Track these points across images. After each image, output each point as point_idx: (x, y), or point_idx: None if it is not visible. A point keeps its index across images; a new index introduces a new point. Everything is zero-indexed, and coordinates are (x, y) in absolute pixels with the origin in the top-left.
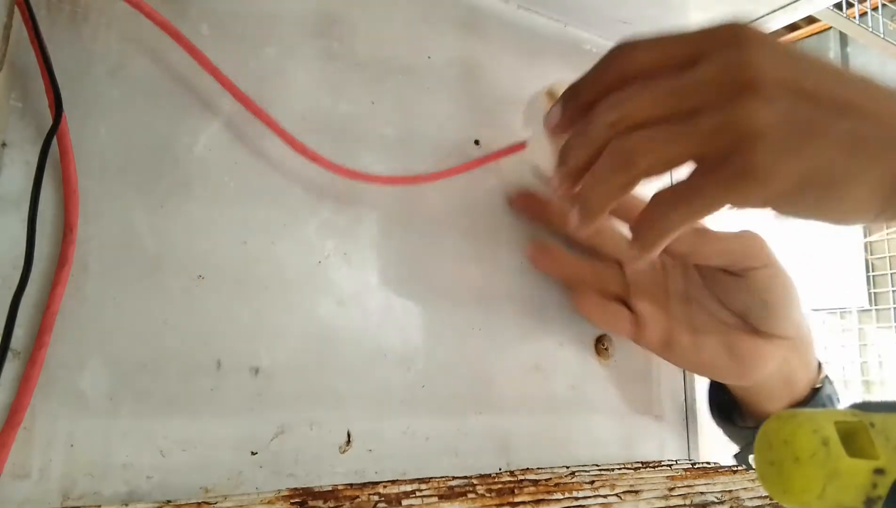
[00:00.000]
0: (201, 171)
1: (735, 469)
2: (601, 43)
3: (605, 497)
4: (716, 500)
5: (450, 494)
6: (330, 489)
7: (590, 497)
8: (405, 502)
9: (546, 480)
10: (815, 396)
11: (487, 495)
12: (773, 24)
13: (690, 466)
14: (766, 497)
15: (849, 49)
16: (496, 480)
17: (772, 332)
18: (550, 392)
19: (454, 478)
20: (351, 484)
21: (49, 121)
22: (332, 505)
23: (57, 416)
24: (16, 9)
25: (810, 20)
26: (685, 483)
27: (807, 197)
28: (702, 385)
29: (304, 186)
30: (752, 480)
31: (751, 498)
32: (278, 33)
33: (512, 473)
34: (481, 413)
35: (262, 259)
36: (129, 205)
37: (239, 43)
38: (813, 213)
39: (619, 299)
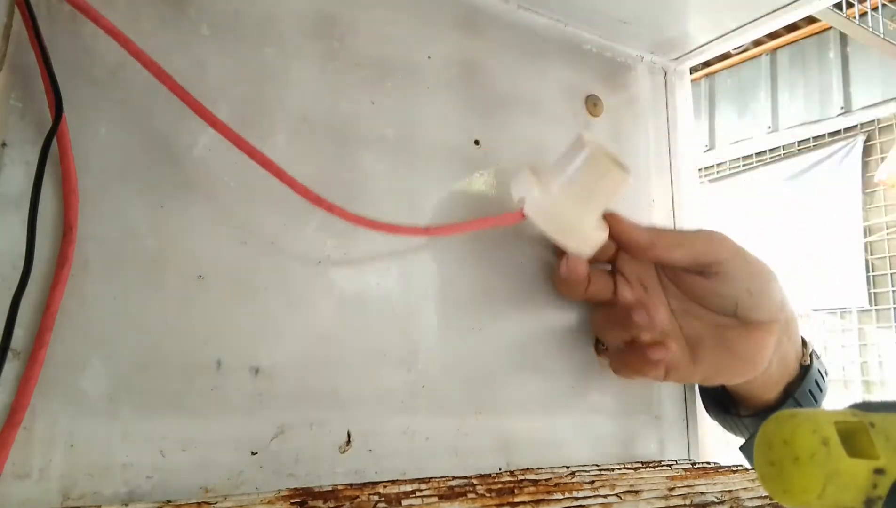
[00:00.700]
0: (201, 171)
1: (735, 469)
2: (601, 43)
3: (605, 497)
4: (716, 500)
5: (450, 494)
6: (330, 489)
7: (590, 497)
8: (405, 502)
9: (546, 480)
10: (806, 373)
11: (487, 495)
12: (774, 24)
13: (690, 466)
14: (766, 497)
15: (849, 49)
16: (496, 480)
17: (762, 319)
18: (550, 392)
19: (454, 478)
20: (351, 484)
21: (49, 121)
22: (332, 505)
23: (57, 416)
24: (16, 9)
25: (810, 20)
26: (685, 483)
27: None
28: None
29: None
30: (752, 480)
31: (751, 498)
32: (278, 33)
33: (512, 473)
34: (481, 413)
35: (262, 259)
36: (129, 205)
37: (239, 43)
38: None
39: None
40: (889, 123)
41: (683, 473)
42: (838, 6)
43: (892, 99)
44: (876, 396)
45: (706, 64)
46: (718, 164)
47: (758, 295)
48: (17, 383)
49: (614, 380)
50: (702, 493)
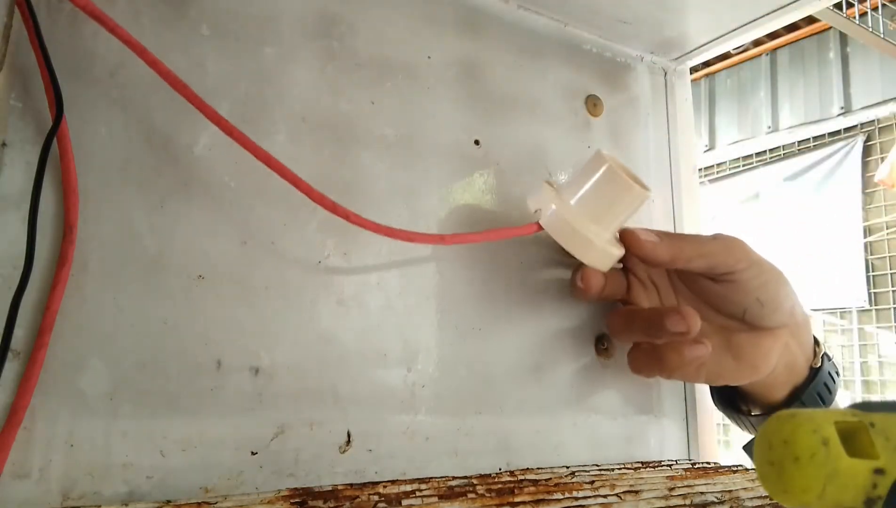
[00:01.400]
0: (201, 171)
1: (735, 469)
2: (601, 43)
3: (605, 497)
4: (716, 500)
5: (450, 494)
6: (330, 489)
7: (590, 497)
8: (405, 502)
9: (546, 480)
10: (815, 376)
11: (487, 495)
12: (774, 24)
13: (690, 466)
14: (766, 497)
15: (849, 49)
16: (496, 480)
17: (770, 326)
18: (550, 392)
19: (454, 478)
20: (351, 484)
21: (49, 121)
22: (332, 505)
23: (57, 416)
24: (16, 9)
25: (810, 20)
26: (685, 483)
27: None
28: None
29: None
30: (752, 480)
31: (751, 498)
32: (278, 33)
33: (512, 473)
34: (481, 413)
35: (262, 259)
36: (129, 205)
37: (239, 43)
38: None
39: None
40: (889, 123)
41: (683, 473)
42: (838, 6)
43: (892, 99)
44: (876, 396)
45: (706, 64)
46: (718, 164)
47: (768, 303)
48: (17, 383)
49: (614, 380)
50: (702, 493)
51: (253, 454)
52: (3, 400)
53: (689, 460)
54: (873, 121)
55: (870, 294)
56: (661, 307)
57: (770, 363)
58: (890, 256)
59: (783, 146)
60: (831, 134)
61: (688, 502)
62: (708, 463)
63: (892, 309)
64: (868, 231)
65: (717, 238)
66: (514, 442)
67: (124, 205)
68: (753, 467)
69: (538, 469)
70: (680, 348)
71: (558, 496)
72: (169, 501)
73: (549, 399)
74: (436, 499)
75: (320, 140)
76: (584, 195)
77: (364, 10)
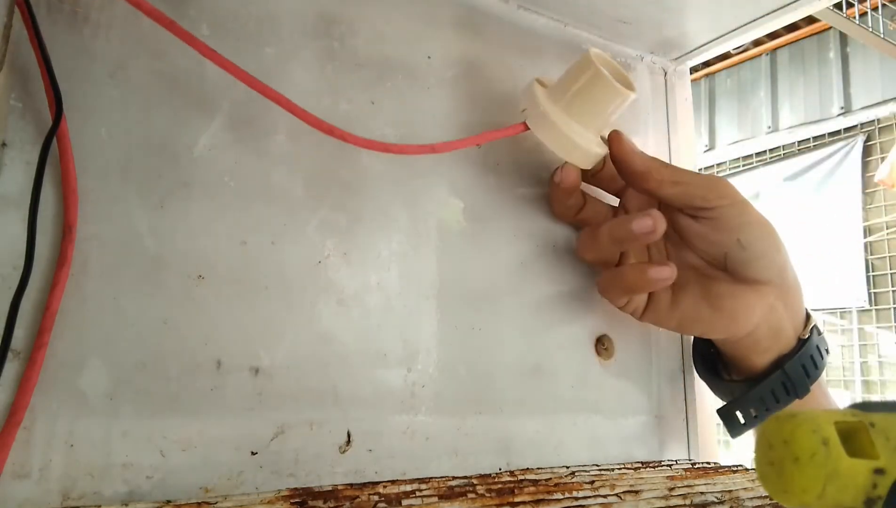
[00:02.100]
0: (201, 171)
1: (735, 469)
2: (601, 43)
3: (605, 497)
4: (716, 500)
5: (450, 494)
6: (330, 489)
7: (590, 497)
8: (405, 502)
9: (546, 480)
10: (802, 347)
11: (487, 495)
12: (774, 24)
13: (690, 466)
14: (766, 497)
15: (849, 49)
16: (496, 480)
17: (754, 277)
18: (550, 392)
19: (454, 478)
20: (351, 484)
21: (49, 121)
22: (332, 505)
23: (57, 416)
24: (16, 9)
25: (810, 20)
26: (685, 483)
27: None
28: (699, 383)
29: (304, 186)
30: (752, 480)
31: (751, 498)
32: (278, 33)
33: (512, 473)
34: (481, 413)
35: (262, 259)
36: (129, 205)
37: (239, 43)
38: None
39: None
40: (889, 123)
41: (683, 473)
42: (838, 6)
43: (892, 99)
44: (876, 396)
45: (706, 64)
46: (718, 164)
47: (750, 248)
48: (17, 383)
49: (614, 380)
50: (702, 493)
51: (253, 454)
52: (3, 400)
53: (689, 460)
54: (873, 121)
55: (870, 294)
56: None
57: (750, 319)
58: (890, 256)
59: (783, 146)
60: (831, 134)
61: (688, 502)
62: (708, 463)
63: (892, 309)
64: (868, 231)
65: (700, 173)
66: (514, 442)
67: (124, 205)
68: (753, 467)
69: (538, 469)
70: (644, 266)
71: (558, 496)
72: (169, 501)
73: (549, 399)
74: (436, 499)
75: (320, 140)
76: (571, 96)
77: (364, 10)
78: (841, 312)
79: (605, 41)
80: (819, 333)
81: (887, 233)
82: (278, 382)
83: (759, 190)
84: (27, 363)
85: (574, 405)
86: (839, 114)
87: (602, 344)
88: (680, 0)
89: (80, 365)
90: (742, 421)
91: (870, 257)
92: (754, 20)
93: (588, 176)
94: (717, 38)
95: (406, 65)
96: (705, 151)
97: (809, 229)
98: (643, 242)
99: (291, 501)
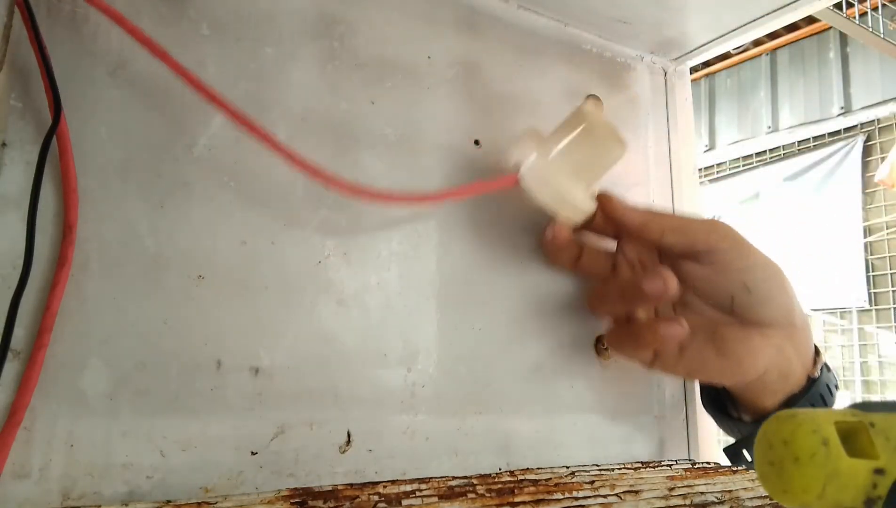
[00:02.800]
0: (201, 171)
1: (735, 469)
2: (601, 43)
3: (605, 497)
4: (716, 500)
5: (450, 494)
6: (330, 489)
7: (590, 497)
8: (405, 502)
9: (546, 480)
10: (811, 387)
11: (487, 495)
12: (774, 24)
13: (690, 466)
14: (766, 497)
15: (849, 49)
16: (496, 480)
17: (761, 320)
18: (550, 392)
19: (454, 478)
20: (351, 484)
21: (49, 122)
22: (332, 505)
23: (57, 416)
24: (16, 9)
25: (810, 20)
26: (685, 483)
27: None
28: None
29: (304, 186)
30: (752, 480)
31: (751, 498)
32: (278, 33)
33: (512, 473)
34: (481, 413)
35: (262, 259)
36: (129, 204)
37: (239, 43)
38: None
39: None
40: (889, 123)
41: (683, 473)
42: (838, 6)
43: (892, 99)
44: (876, 396)
45: (706, 64)
46: (718, 164)
47: (756, 292)
48: (17, 383)
49: (614, 380)
50: (702, 493)
51: (253, 454)
52: (3, 400)
53: (689, 460)
54: (873, 121)
55: (870, 294)
56: (636, 275)
57: (758, 363)
58: (890, 256)
59: (783, 146)
60: (831, 134)
61: (688, 502)
62: (708, 463)
63: (892, 309)
64: (868, 231)
65: (698, 218)
66: (514, 442)
67: (124, 205)
68: (752, 463)
69: (538, 469)
70: (654, 324)
71: (558, 496)
72: (169, 501)
73: (549, 399)
74: (436, 499)
75: (320, 140)
76: (563, 149)
77: (364, 9)
78: (841, 312)
79: (605, 41)
80: (829, 370)
81: (887, 233)
82: (278, 382)
83: (759, 190)
84: (27, 363)
85: (574, 405)
86: (839, 114)
87: (602, 344)
88: (680, 0)
89: (80, 365)
90: (749, 459)
91: (870, 257)
92: (754, 20)
93: (583, 224)
94: (717, 38)
95: (406, 65)
96: (705, 151)
97: (809, 229)
98: (655, 303)
99: (291, 501)
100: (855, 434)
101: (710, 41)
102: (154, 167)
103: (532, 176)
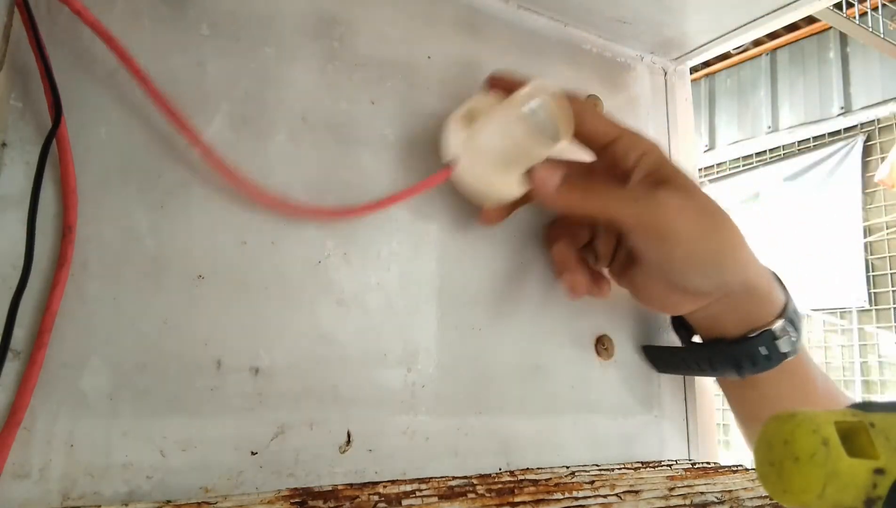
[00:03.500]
0: (201, 171)
1: (735, 469)
2: (601, 43)
3: (605, 497)
4: (716, 500)
5: (450, 494)
6: (330, 489)
7: (590, 497)
8: (405, 502)
9: (546, 480)
10: (741, 343)
11: (487, 495)
12: (774, 24)
13: (690, 466)
14: (766, 497)
15: (849, 49)
16: (496, 480)
17: (685, 289)
18: (550, 392)
19: (454, 478)
20: (351, 484)
21: (49, 122)
22: (332, 505)
23: (57, 416)
24: (16, 9)
25: (810, 20)
26: (685, 483)
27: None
28: (700, 382)
29: (304, 186)
30: (752, 480)
31: (751, 498)
32: (278, 33)
33: (512, 473)
34: (481, 413)
35: (262, 259)
36: (129, 205)
37: (239, 43)
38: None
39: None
40: (889, 123)
41: (683, 473)
42: (838, 6)
43: (892, 99)
44: (876, 396)
45: (706, 64)
46: (718, 164)
47: (677, 275)
48: (17, 383)
49: (614, 380)
50: (702, 493)
51: (253, 454)
52: (3, 400)
53: (689, 460)
54: (873, 121)
55: (870, 294)
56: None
57: (678, 310)
58: (890, 256)
59: (783, 146)
60: (831, 134)
61: (688, 502)
62: (708, 463)
63: (892, 309)
64: (868, 231)
65: (630, 193)
66: (514, 442)
67: (124, 205)
68: (753, 467)
69: (538, 469)
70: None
71: (558, 496)
72: (169, 501)
73: (549, 399)
74: (436, 499)
75: (320, 140)
76: (493, 145)
77: (364, 10)
78: (841, 312)
79: (605, 41)
80: (775, 338)
81: (887, 233)
82: (278, 382)
83: (759, 190)
84: (27, 363)
85: (574, 405)
86: (839, 114)
87: (602, 344)
88: (680, 0)
89: (80, 366)
90: (660, 364)
91: (870, 257)
92: (754, 20)
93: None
94: (717, 38)
95: (406, 65)
96: (705, 151)
97: (809, 229)
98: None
99: (291, 501)
100: (855, 434)
101: (710, 41)
102: (154, 167)
103: (460, 170)
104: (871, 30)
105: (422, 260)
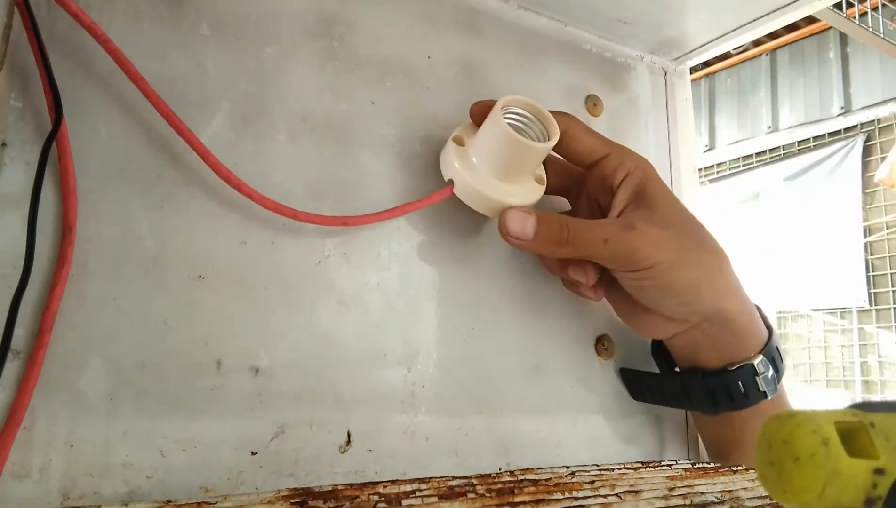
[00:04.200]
0: (201, 171)
1: (735, 469)
2: (601, 43)
3: (605, 497)
4: (716, 500)
5: (450, 494)
6: (330, 489)
7: (590, 497)
8: (405, 502)
9: (546, 480)
10: (719, 375)
11: (487, 495)
12: (774, 24)
13: (690, 466)
14: (766, 497)
15: (849, 49)
16: (496, 480)
17: (661, 314)
18: (550, 392)
19: (454, 478)
20: (351, 484)
21: (49, 122)
22: (332, 505)
23: (57, 416)
24: (16, 9)
25: (810, 20)
26: (685, 483)
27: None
28: None
29: (304, 186)
30: (752, 480)
31: (751, 498)
32: (278, 33)
33: (512, 473)
34: (481, 413)
35: (262, 259)
36: (129, 205)
37: (239, 43)
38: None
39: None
40: (889, 123)
41: (683, 473)
42: (838, 6)
43: (892, 99)
44: (876, 396)
45: (706, 64)
46: (718, 164)
47: (652, 303)
48: (17, 383)
49: (614, 380)
50: (702, 493)
51: (253, 454)
52: (3, 400)
53: (689, 460)
54: (873, 121)
55: (870, 294)
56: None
57: (658, 335)
58: (890, 256)
59: (783, 146)
60: (831, 134)
61: (688, 502)
62: (708, 463)
63: (892, 309)
64: (868, 231)
65: (604, 227)
66: (514, 442)
67: (124, 205)
68: (753, 467)
69: (538, 469)
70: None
71: (558, 496)
72: (169, 501)
73: (548, 399)
74: (436, 499)
75: (320, 140)
76: (487, 155)
77: (364, 10)
78: (841, 312)
79: (605, 41)
80: (755, 374)
81: (887, 233)
82: (278, 382)
83: (759, 190)
84: (27, 363)
85: (574, 405)
86: (839, 114)
87: (602, 344)
88: (680, 0)
89: (80, 366)
90: (635, 391)
91: (870, 257)
92: (754, 20)
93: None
94: (717, 38)
95: (406, 65)
96: (705, 151)
97: (809, 229)
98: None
99: (291, 501)
100: (855, 434)
101: (710, 41)
102: (154, 167)
103: (463, 189)
104: (871, 30)
105: (422, 261)
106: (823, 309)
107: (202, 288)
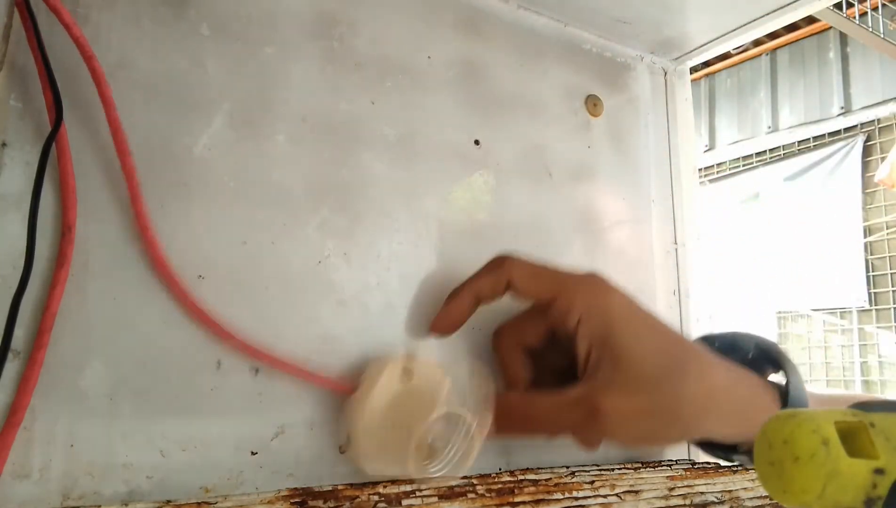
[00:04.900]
0: (201, 171)
1: (735, 469)
2: (601, 43)
3: (605, 497)
4: (716, 500)
5: (450, 494)
6: (330, 489)
7: (590, 497)
8: (405, 502)
9: (546, 480)
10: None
11: (487, 495)
12: (774, 24)
13: (690, 466)
14: (766, 497)
15: (849, 49)
16: (496, 480)
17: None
18: None
19: (454, 478)
20: (351, 484)
21: (49, 122)
22: (332, 505)
23: (57, 416)
24: (16, 9)
25: (810, 20)
26: (685, 483)
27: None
28: None
29: (304, 186)
30: (752, 480)
31: (751, 498)
32: (278, 33)
33: (512, 473)
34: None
35: (262, 259)
36: (130, 205)
37: (239, 43)
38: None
39: None
40: (889, 123)
41: (683, 473)
42: (838, 6)
43: (892, 99)
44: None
45: (706, 64)
46: (718, 164)
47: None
48: (17, 383)
49: None
50: (702, 493)
51: (253, 454)
52: (3, 400)
53: (689, 460)
54: (873, 121)
55: (870, 294)
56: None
57: (622, 430)
58: (890, 256)
59: (783, 146)
60: (831, 134)
61: (688, 502)
62: (708, 463)
63: (892, 309)
64: (868, 231)
65: (577, 426)
66: (514, 442)
67: (124, 205)
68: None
69: (538, 469)
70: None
71: (558, 496)
72: (169, 501)
73: None
74: (436, 499)
75: (320, 140)
76: (371, 422)
77: (364, 10)
78: (841, 312)
79: (605, 41)
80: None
81: (887, 233)
82: (278, 382)
83: (759, 190)
84: (27, 363)
85: None
86: (839, 115)
87: None
88: (680, 0)
89: (80, 365)
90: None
91: (870, 257)
92: (754, 20)
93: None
94: (717, 38)
95: (406, 65)
96: (705, 151)
97: (809, 229)
98: None
99: (291, 501)
100: (855, 434)
101: (710, 41)
102: (154, 167)
103: (357, 456)
104: (871, 30)
105: (422, 261)
106: (823, 309)
107: (202, 289)
